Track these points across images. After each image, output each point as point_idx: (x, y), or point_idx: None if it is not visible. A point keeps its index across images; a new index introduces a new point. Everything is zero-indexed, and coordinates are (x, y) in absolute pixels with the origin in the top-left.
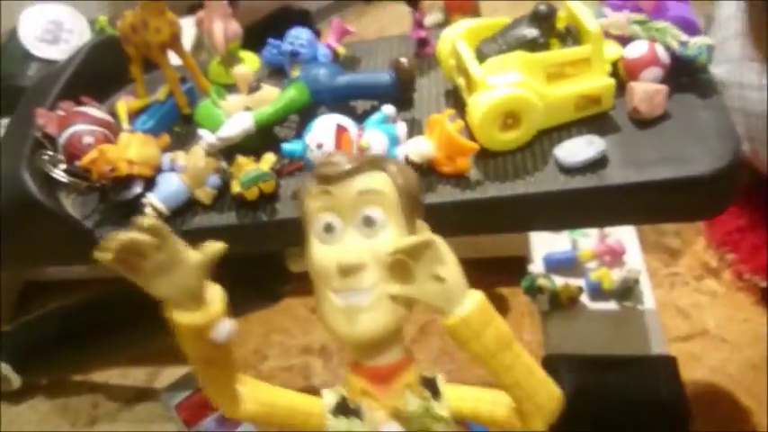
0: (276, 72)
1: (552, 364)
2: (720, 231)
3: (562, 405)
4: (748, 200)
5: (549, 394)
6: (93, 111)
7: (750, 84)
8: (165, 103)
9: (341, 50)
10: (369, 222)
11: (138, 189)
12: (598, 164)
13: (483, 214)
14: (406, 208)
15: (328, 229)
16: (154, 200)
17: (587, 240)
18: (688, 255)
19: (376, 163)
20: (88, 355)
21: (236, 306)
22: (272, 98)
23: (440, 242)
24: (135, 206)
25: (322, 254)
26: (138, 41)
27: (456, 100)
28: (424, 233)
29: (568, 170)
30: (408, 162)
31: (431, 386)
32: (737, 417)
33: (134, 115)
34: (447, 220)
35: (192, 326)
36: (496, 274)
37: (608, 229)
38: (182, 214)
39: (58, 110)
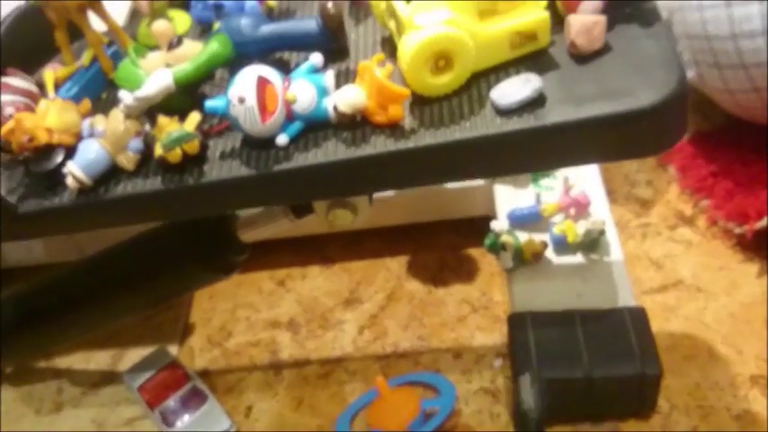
0: (208, 30)
1: (517, 322)
2: (694, 177)
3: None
4: (719, 143)
5: None
6: (16, 81)
7: (689, 5)
8: (89, 68)
9: (271, 3)
10: None
11: (59, 159)
12: (535, 103)
13: (419, 164)
14: None
15: None
16: (74, 169)
17: (551, 194)
18: (661, 204)
19: None
20: (45, 337)
21: (188, 280)
22: (195, 54)
23: None
24: (57, 177)
25: None
26: (57, 5)
27: (392, 47)
28: None
29: (504, 112)
30: (338, 113)
31: None
32: (715, 367)
33: (62, 84)
34: (385, 173)
35: None
36: (464, 236)
37: (572, 181)
38: (105, 182)
39: None
